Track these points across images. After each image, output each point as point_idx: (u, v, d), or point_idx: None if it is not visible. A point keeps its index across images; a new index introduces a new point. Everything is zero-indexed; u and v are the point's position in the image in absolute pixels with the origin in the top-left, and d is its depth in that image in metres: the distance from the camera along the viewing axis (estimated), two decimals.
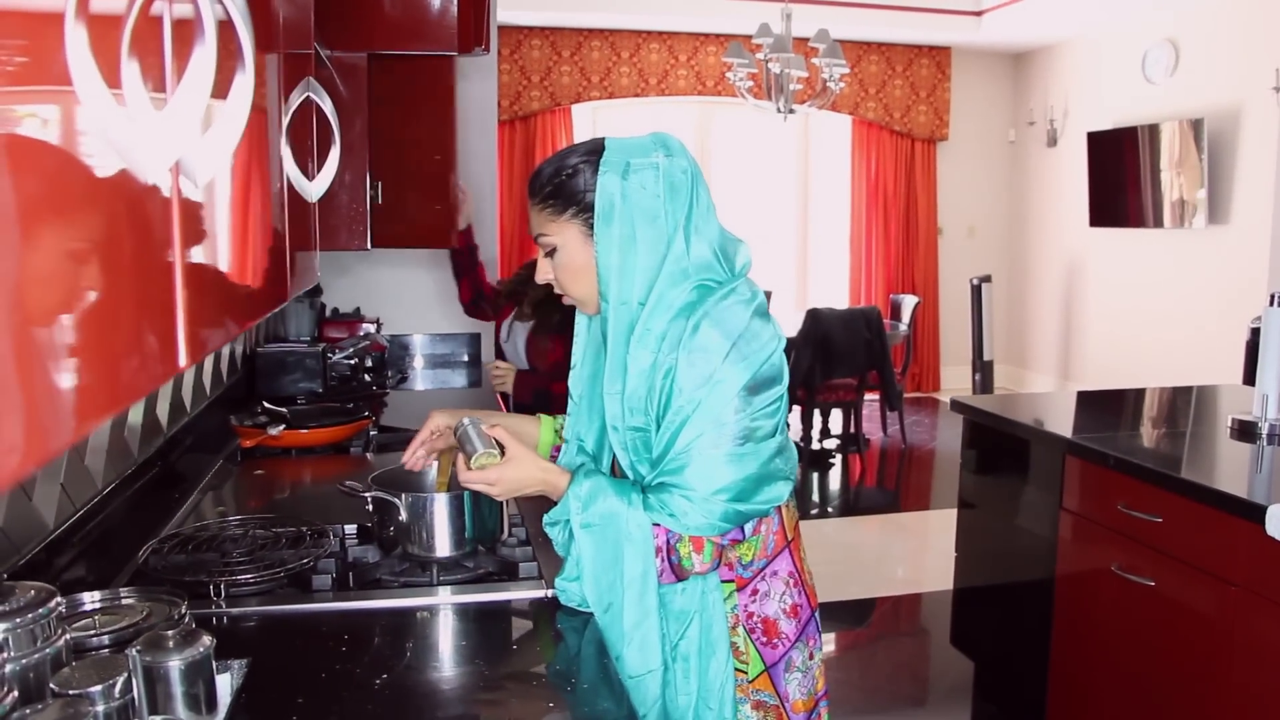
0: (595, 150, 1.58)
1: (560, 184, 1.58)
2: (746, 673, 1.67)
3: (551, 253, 1.62)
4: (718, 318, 1.53)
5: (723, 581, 1.65)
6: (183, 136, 0.64)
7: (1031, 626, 3.07)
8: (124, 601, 1.53)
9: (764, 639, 1.68)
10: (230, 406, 2.85)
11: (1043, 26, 8.08)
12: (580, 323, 1.75)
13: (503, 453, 1.61)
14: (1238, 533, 2.33)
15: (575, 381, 1.75)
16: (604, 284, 1.57)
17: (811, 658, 1.74)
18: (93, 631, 1.43)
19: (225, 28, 0.69)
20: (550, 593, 1.73)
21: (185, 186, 0.69)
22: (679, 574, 1.59)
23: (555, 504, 1.62)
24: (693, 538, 1.55)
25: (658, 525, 1.54)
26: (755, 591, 1.67)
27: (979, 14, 8.15)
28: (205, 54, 0.63)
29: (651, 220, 1.55)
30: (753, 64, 6.57)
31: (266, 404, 2.73)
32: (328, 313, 4.11)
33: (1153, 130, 7.34)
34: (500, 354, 3.12)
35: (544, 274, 1.66)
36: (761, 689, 1.69)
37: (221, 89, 0.68)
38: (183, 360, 0.69)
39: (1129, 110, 7.73)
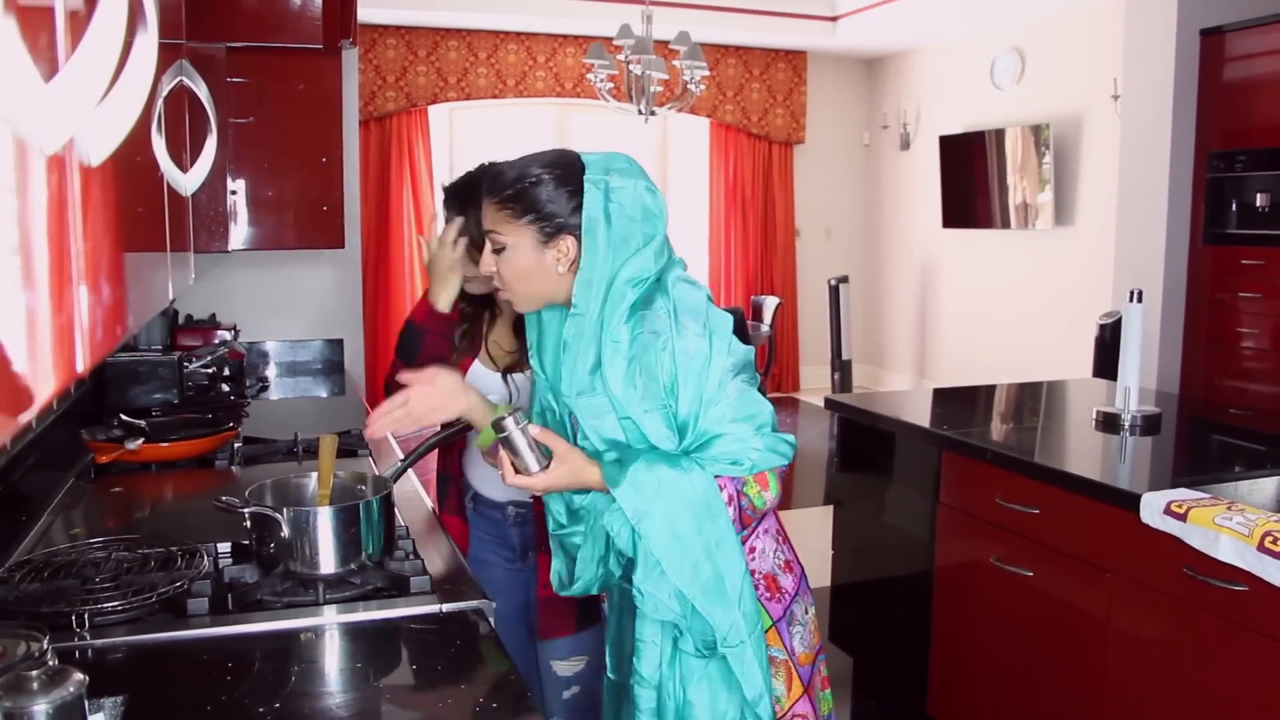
0: (558, 164, 1.64)
1: (522, 190, 1.63)
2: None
3: (499, 249, 1.67)
4: (679, 296, 1.63)
5: None
6: (79, 106, 0.55)
7: (910, 620, 3.11)
8: None
9: (768, 594, 1.74)
10: (79, 420, 2.65)
11: (895, 33, 8.28)
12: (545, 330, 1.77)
13: (549, 455, 1.62)
14: (1113, 521, 2.39)
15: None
16: (582, 290, 1.62)
17: (807, 612, 1.81)
18: None
19: None
20: (444, 608, 1.65)
21: (78, 168, 0.60)
22: (749, 519, 1.65)
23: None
24: (757, 475, 1.60)
25: (719, 477, 1.59)
26: (752, 550, 1.72)
27: (834, 19, 8.30)
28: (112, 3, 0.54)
29: (625, 239, 1.62)
30: (614, 65, 6.55)
31: (124, 416, 2.55)
32: (180, 319, 3.90)
33: (999, 135, 7.61)
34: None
35: (488, 265, 1.69)
36: (772, 644, 1.73)
37: (125, 50, 0.59)
38: (80, 365, 0.60)
39: (978, 115, 8.00)
